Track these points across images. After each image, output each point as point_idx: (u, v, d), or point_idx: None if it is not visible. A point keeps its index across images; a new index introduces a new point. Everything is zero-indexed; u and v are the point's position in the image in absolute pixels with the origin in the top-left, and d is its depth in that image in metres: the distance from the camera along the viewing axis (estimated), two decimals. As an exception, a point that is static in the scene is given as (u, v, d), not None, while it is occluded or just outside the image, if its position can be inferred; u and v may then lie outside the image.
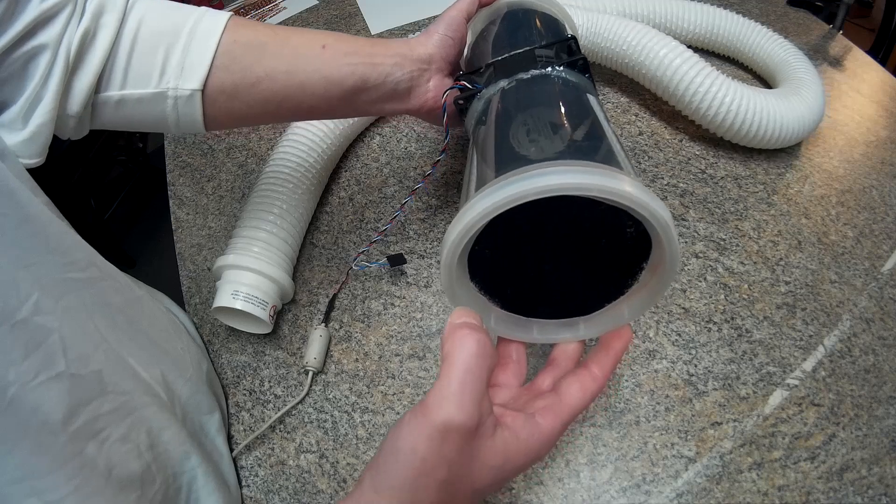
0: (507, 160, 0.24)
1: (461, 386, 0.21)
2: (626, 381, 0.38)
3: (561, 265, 0.26)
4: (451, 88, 0.35)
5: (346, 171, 0.54)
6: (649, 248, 0.23)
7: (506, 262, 0.26)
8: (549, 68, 0.30)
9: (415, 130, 0.56)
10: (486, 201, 0.20)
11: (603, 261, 0.25)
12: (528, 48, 0.32)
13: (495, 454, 0.22)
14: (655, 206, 0.20)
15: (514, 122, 0.27)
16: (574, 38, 0.33)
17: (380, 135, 0.56)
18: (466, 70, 0.39)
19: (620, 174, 0.20)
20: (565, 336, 0.28)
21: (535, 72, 0.30)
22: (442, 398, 0.21)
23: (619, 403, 0.38)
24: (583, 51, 0.51)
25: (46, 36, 0.27)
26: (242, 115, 0.35)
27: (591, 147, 0.24)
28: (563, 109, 0.28)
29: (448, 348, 0.22)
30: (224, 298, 0.40)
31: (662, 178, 0.48)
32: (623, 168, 0.22)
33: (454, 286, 0.25)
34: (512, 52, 0.32)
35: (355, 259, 0.45)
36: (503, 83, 0.31)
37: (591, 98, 0.29)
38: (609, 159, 0.23)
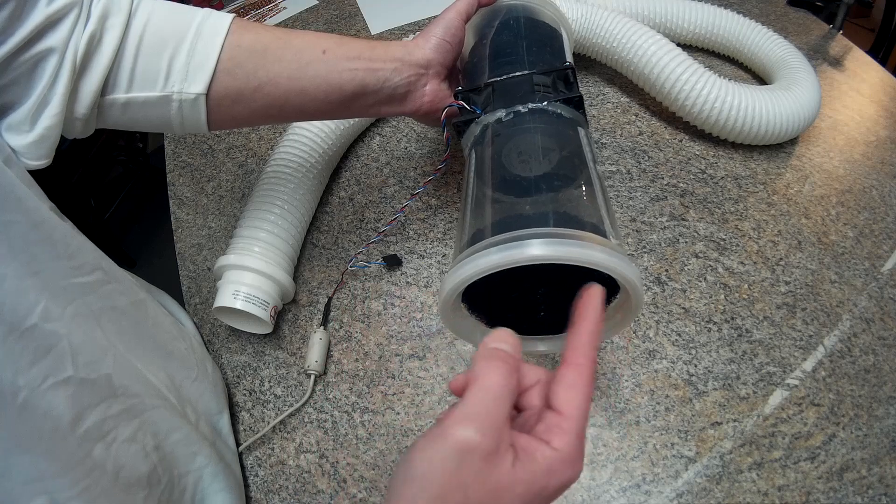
0: (503, 190, 0.28)
1: (486, 409, 0.20)
2: (626, 381, 0.38)
3: (539, 295, 0.29)
4: (449, 106, 0.35)
5: (346, 171, 0.54)
6: (618, 288, 0.26)
7: (492, 290, 0.28)
8: (546, 103, 0.32)
9: (415, 130, 0.56)
10: (482, 262, 0.23)
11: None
12: (526, 73, 0.33)
13: (517, 482, 0.20)
14: (624, 270, 0.23)
15: (510, 154, 0.30)
16: (572, 67, 0.34)
17: (380, 135, 0.56)
18: (464, 77, 0.39)
19: (595, 245, 0.23)
20: (540, 347, 0.31)
21: (533, 105, 0.32)
22: (464, 417, 0.20)
23: (619, 403, 0.38)
24: (575, 44, 0.52)
25: (53, 39, 0.27)
26: (245, 117, 0.35)
27: (577, 195, 0.28)
28: (554, 148, 0.30)
29: (479, 370, 0.21)
30: (225, 298, 0.40)
31: (662, 178, 0.48)
32: (604, 221, 0.25)
33: (450, 313, 0.28)
34: (511, 75, 0.33)
35: (350, 260, 0.45)
36: (501, 113, 0.32)
37: (581, 133, 0.31)
38: (591, 211, 0.26)
